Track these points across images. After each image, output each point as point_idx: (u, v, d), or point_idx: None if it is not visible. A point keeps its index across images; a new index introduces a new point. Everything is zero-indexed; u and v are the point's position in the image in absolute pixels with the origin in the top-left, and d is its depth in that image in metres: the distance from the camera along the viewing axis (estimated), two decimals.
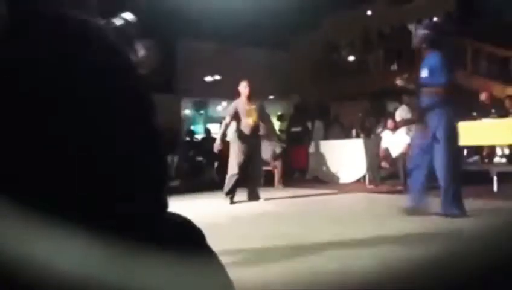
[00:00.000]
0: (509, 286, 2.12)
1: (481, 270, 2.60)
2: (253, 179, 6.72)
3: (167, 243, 0.81)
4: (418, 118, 5.08)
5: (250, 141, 6.43)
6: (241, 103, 6.51)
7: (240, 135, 6.46)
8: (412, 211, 4.50)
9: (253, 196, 6.66)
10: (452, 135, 4.42)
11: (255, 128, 6.49)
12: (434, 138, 4.41)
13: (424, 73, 4.43)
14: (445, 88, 4.31)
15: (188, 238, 0.96)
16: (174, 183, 9.67)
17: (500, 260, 2.81)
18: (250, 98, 6.47)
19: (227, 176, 6.59)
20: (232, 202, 6.53)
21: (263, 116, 6.78)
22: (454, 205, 4.39)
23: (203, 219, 4.47)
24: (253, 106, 6.48)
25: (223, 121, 6.82)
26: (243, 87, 6.46)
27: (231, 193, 6.59)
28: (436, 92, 4.35)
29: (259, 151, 6.73)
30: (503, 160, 7.37)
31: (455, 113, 4.54)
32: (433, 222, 4.23)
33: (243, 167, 6.42)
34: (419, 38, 4.62)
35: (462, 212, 4.34)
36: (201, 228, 1.09)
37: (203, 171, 9.92)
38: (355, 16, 15.31)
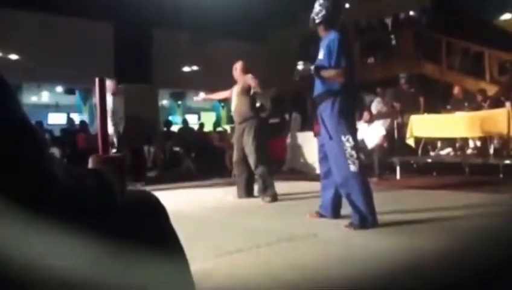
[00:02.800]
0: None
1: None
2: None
3: (119, 220, 0.83)
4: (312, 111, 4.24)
5: (237, 127, 5.78)
6: (235, 87, 5.85)
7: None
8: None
9: (245, 192, 5.79)
10: (342, 127, 3.71)
11: (238, 113, 5.73)
12: (326, 133, 3.82)
13: (321, 55, 3.87)
14: (344, 72, 3.71)
15: (146, 217, 0.98)
16: (151, 173, 9.63)
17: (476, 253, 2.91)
18: (238, 80, 5.82)
19: None
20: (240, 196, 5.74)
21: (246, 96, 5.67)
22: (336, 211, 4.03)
23: (180, 209, 4.45)
24: (238, 87, 5.75)
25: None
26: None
27: (241, 193, 5.78)
28: (336, 76, 3.74)
29: (246, 140, 5.59)
30: (475, 152, 7.55)
31: (352, 103, 3.90)
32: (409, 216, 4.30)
33: (236, 159, 5.78)
34: (316, 18, 3.96)
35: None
36: (165, 208, 1.11)
37: (181, 162, 9.88)
38: None
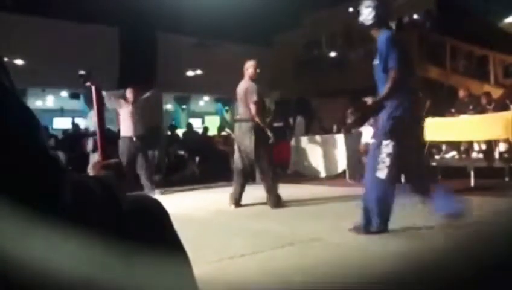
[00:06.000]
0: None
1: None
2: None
3: (122, 226, 0.84)
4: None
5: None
6: None
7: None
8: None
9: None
10: (393, 132, 3.48)
11: (242, 113, 5.73)
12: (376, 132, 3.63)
13: (377, 60, 3.69)
14: (398, 72, 3.47)
15: (149, 221, 0.99)
16: (156, 177, 9.63)
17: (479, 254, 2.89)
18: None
19: None
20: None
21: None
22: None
23: (184, 213, 4.46)
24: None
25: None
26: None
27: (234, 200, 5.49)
28: (388, 89, 3.49)
29: (246, 142, 5.66)
30: (480, 156, 7.51)
31: (409, 107, 3.60)
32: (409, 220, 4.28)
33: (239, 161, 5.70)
34: (365, 21, 3.75)
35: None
36: (168, 212, 1.11)
37: (185, 166, 9.89)
38: (337, 13, 15.39)
